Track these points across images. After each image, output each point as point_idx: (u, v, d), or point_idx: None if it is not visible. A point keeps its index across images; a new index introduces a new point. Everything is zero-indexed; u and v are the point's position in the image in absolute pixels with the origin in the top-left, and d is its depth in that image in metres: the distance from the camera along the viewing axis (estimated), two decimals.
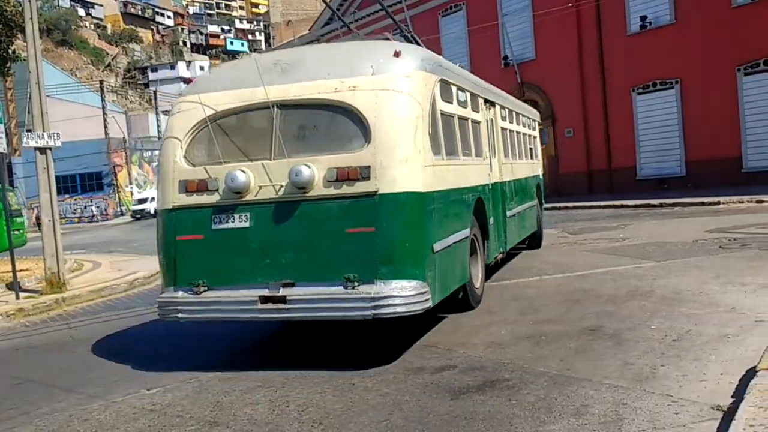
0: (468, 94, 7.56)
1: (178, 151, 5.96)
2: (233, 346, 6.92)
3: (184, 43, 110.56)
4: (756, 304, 6.28)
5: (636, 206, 19.02)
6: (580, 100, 25.78)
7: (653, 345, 5.26)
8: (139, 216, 45.15)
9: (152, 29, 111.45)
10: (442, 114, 6.30)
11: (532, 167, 12.14)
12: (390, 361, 5.51)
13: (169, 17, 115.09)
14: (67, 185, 48.16)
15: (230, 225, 5.67)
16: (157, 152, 58.88)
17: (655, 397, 4.13)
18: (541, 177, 13.09)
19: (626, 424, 3.78)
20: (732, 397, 3.98)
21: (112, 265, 15.39)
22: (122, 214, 49.53)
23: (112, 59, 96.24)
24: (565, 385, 4.53)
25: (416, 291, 5.28)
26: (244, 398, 4.90)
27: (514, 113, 10.72)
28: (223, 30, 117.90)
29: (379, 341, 6.35)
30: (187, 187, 5.84)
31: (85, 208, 51.39)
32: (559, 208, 20.65)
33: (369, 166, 5.33)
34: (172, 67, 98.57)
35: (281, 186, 5.54)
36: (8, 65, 17.54)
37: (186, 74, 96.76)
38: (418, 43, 7.63)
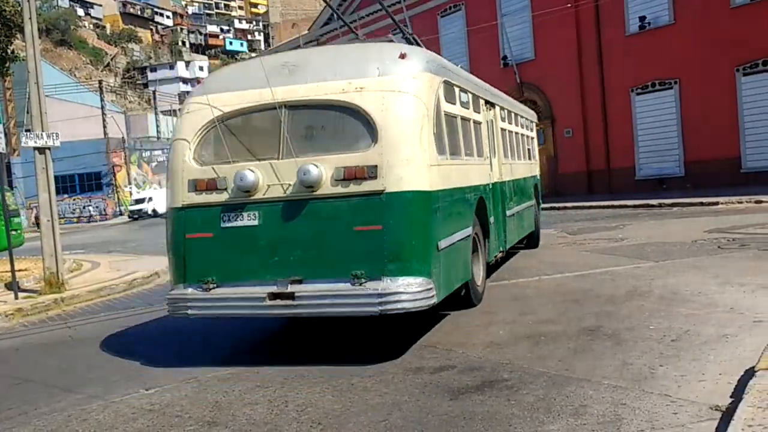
0: (470, 95, 7.65)
1: (187, 151, 6.06)
2: (233, 345, 6.91)
3: (183, 43, 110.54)
4: (755, 304, 6.28)
5: (635, 206, 19.03)
6: (579, 101, 25.80)
7: (652, 345, 5.27)
8: (137, 216, 45.10)
9: (151, 29, 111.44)
10: (445, 114, 6.38)
11: (530, 168, 12.27)
12: (390, 360, 5.50)
13: (168, 17, 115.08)
14: (66, 185, 48.16)
15: (239, 223, 5.77)
16: (156, 152, 59.27)
17: (654, 397, 4.14)
18: (538, 177, 13.25)
19: (625, 424, 3.78)
20: (731, 397, 3.99)
21: (111, 265, 15.38)
22: (121, 214, 49.51)
23: (111, 59, 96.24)
24: (564, 385, 4.53)
25: (422, 287, 5.38)
26: (243, 398, 4.90)
27: (512, 114, 10.83)
28: (222, 30, 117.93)
29: (379, 341, 6.34)
30: (196, 186, 5.93)
31: (84, 208, 51.38)
32: (558, 208, 20.66)
33: (376, 166, 5.44)
34: (171, 67, 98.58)
35: (289, 185, 5.63)
36: (7, 65, 17.52)
37: (185, 74, 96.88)
38: (418, 44, 7.71)
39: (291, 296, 5.55)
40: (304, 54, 6.59)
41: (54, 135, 11.48)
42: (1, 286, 11.94)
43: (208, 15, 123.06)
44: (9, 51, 16.94)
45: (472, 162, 7.43)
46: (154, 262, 15.30)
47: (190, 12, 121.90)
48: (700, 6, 21.97)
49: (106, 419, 4.72)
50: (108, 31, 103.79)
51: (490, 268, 8.92)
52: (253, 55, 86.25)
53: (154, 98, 71.52)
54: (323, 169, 5.52)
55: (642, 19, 23.57)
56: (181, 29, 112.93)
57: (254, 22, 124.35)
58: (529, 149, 12.40)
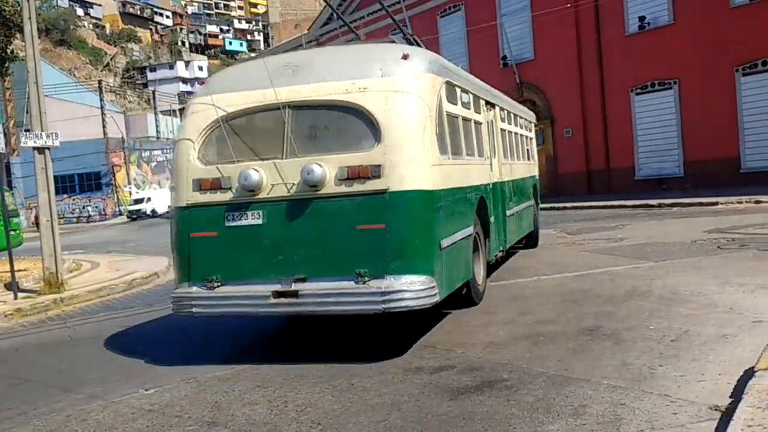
0: (471, 96, 7.69)
1: (191, 150, 6.09)
2: (233, 345, 6.91)
3: (183, 43, 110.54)
4: (754, 304, 6.29)
5: (634, 206, 19.03)
6: (579, 101, 25.80)
7: (651, 345, 5.27)
8: (135, 216, 45.02)
9: (151, 29, 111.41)
10: (447, 115, 6.42)
11: (529, 168, 12.34)
12: (390, 360, 5.50)
13: (167, 17, 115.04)
14: (65, 185, 48.12)
15: (243, 222, 5.82)
16: (155, 152, 59.28)
17: (654, 398, 4.14)
18: (537, 178, 13.31)
19: (624, 424, 3.78)
20: (730, 397, 3.99)
21: (111, 265, 15.38)
22: (120, 214, 49.48)
23: (111, 59, 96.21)
24: (564, 385, 4.53)
25: (425, 285, 5.43)
26: (242, 398, 4.90)
27: (512, 115, 10.88)
28: (221, 30, 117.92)
29: (378, 341, 6.34)
30: (200, 186, 5.98)
31: (83, 207, 51.36)
32: (557, 209, 20.66)
33: (380, 165, 5.49)
34: (171, 67, 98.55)
35: (293, 184, 5.68)
36: (6, 65, 17.52)
37: (185, 74, 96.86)
38: (418, 45, 7.75)
39: (295, 294, 5.60)
40: (307, 54, 6.66)
41: (53, 135, 11.48)
42: (1, 287, 11.94)
43: (208, 15, 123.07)
44: (8, 51, 16.94)
45: (473, 162, 7.48)
46: (153, 262, 15.31)
47: (189, 12, 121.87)
48: (699, 6, 21.97)
49: (106, 419, 4.72)
50: (107, 31, 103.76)
51: (490, 268, 8.93)
52: (253, 55, 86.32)
53: (154, 98, 71.47)
54: (327, 168, 5.57)
55: (641, 19, 23.57)
56: (181, 29, 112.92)
57: (254, 22, 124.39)
58: (528, 149, 12.48)
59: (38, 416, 4.94)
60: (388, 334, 6.59)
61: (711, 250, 9.83)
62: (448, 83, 6.56)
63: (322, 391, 4.89)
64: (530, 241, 11.98)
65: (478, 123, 7.99)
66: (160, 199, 47.97)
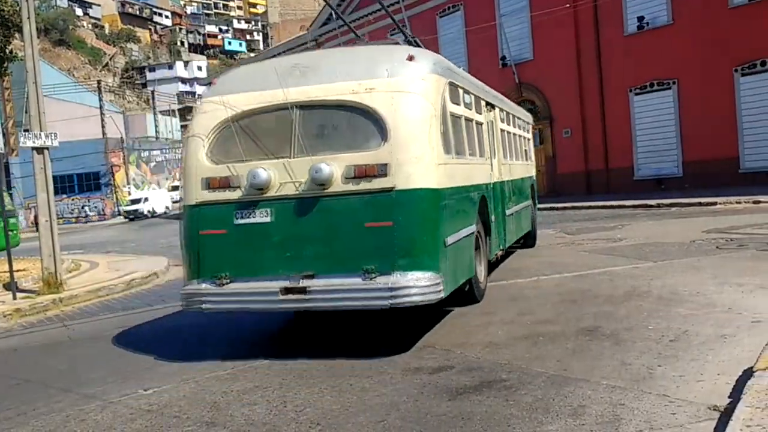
0: (472, 97, 7.81)
1: (201, 149, 6.19)
2: (232, 346, 6.90)
3: (182, 43, 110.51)
4: (753, 304, 6.29)
5: (633, 207, 19.03)
6: (578, 101, 25.79)
7: (650, 345, 5.27)
8: (132, 217, 44.93)
9: (150, 29, 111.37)
10: (451, 115, 6.53)
11: (527, 168, 12.50)
12: (390, 360, 5.51)
13: (166, 17, 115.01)
14: (64, 185, 48.10)
15: (252, 220, 5.92)
16: (155, 152, 59.28)
17: (653, 398, 4.14)
18: (534, 178, 13.46)
19: (623, 424, 3.78)
20: (729, 397, 3.99)
21: (110, 265, 15.37)
22: (119, 214, 49.45)
23: (110, 59, 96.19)
24: (563, 385, 4.53)
25: (431, 282, 5.54)
26: (241, 399, 4.89)
27: (511, 115, 11.03)
28: (221, 30, 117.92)
29: (378, 341, 6.34)
30: (209, 184, 6.08)
31: (82, 207, 51.33)
32: (556, 209, 20.66)
33: (386, 164, 5.59)
34: (170, 67, 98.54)
35: (301, 183, 5.79)
36: (5, 65, 17.53)
37: (184, 74, 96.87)
38: (418, 45, 7.81)
39: (303, 291, 5.70)
40: (314, 56, 6.78)
41: (52, 135, 11.48)
42: (0, 287, 11.92)
43: (207, 15, 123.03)
44: (7, 51, 16.95)
45: (474, 162, 7.58)
46: (152, 262, 15.30)
47: (188, 12, 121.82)
48: (698, 6, 21.97)
49: (105, 420, 4.72)
50: (106, 31, 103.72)
51: (490, 267, 8.96)
52: (252, 55, 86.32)
53: (153, 98, 71.45)
54: (334, 167, 5.67)
55: (640, 19, 23.56)
56: (180, 29, 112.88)
57: (253, 22, 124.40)
58: (526, 150, 12.63)
59: (37, 416, 4.94)
60: (388, 334, 6.60)
61: (710, 251, 9.83)
62: (451, 84, 6.66)
63: (321, 391, 4.89)
64: (528, 240, 12.10)
65: (479, 123, 8.09)
66: (157, 199, 47.90)
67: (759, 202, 16.24)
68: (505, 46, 27.42)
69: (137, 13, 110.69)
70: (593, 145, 25.57)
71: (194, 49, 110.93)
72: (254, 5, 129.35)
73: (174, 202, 51.70)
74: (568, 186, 25.82)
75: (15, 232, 17.30)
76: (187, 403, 4.92)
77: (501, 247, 9.18)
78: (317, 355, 6.02)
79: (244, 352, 6.53)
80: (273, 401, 4.77)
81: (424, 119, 5.83)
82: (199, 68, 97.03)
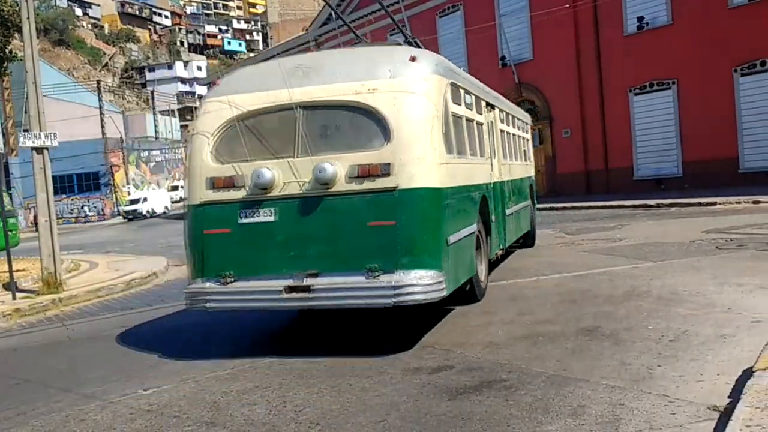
0: (473, 97, 7.86)
1: (205, 149, 6.25)
2: (231, 346, 6.90)
3: (182, 43, 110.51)
4: (752, 304, 6.29)
5: (633, 207, 19.03)
6: (578, 101, 25.79)
7: (650, 345, 5.27)
8: (131, 217, 44.88)
9: (149, 29, 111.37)
10: (452, 115, 6.59)
11: (526, 168, 12.58)
12: (390, 361, 5.51)
13: (166, 17, 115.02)
14: (64, 185, 48.12)
15: (256, 219, 5.97)
16: (154, 152, 59.29)
17: (652, 398, 4.14)
18: (533, 178, 13.53)
19: (623, 424, 3.78)
20: (729, 397, 3.99)
21: (109, 265, 15.37)
22: (119, 215, 49.45)
23: (110, 59, 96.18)
24: (562, 385, 4.53)
25: (434, 280, 5.60)
26: (241, 399, 4.89)
27: (510, 116, 11.08)
28: (220, 30, 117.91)
29: (377, 341, 6.34)
30: (214, 184, 6.13)
31: (81, 207, 51.31)
32: (556, 209, 20.67)
33: (389, 163, 5.65)
34: (170, 67, 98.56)
35: (305, 182, 5.85)
36: (5, 65, 17.54)
37: (183, 74, 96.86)
38: (418, 45, 7.89)
39: (307, 289, 5.76)
40: (317, 56, 6.84)
41: (52, 135, 11.48)
42: None
43: (207, 15, 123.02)
44: (7, 51, 16.96)
45: (475, 162, 7.64)
46: (152, 262, 15.29)
47: (188, 12, 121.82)
48: (698, 6, 21.98)
49: (104, 419, 4.72)
50: (106, 31, 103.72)
51: (490, 267, 8.97)
52: (252, 55, 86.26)
53: (152, 98, 71.47)
54: (338, 167, 5.73)
55: (640, 19, 23.57)
56: (180, 29, 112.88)
57: (252, 22, 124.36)
58: (525, 150, 12.71)
59: (37, 416, 4.94)
60: (388, 334, 6.59)
61: (709, 251, 9.84)
62: (453, 85, 6.71)
63: (320, 391, 4.89)
64: (527, 240, 12.16)
65: (479, 124, 8.14)
66: (157, 200, 47.88)
67: (759, 202, 16.25)
68: (504, 46, 27.42)
69: (137, 13, 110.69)
70: (593, 145, 25.57)
71: (194, 49, 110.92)
72: (254, 5, 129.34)
73: (173, 203, 51.73)
74: (568, 186, 25.83)
75: (14, 232, 17.31)
76: (186, 403, 4.92)
77: (501, 247, 9.23)
78: (317, 355, 6.02)
79: (244, 351, 6.52)
80: (273, 401, 4.77)
81: (426, 119, 5.87)
82: (199, 68, 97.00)
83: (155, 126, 67.35)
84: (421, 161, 5.72)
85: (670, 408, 3.95)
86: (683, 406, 3.96)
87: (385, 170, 5.64)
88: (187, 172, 6.42)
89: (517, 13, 27.18)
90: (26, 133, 11.43)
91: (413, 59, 6.06)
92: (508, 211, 9.66)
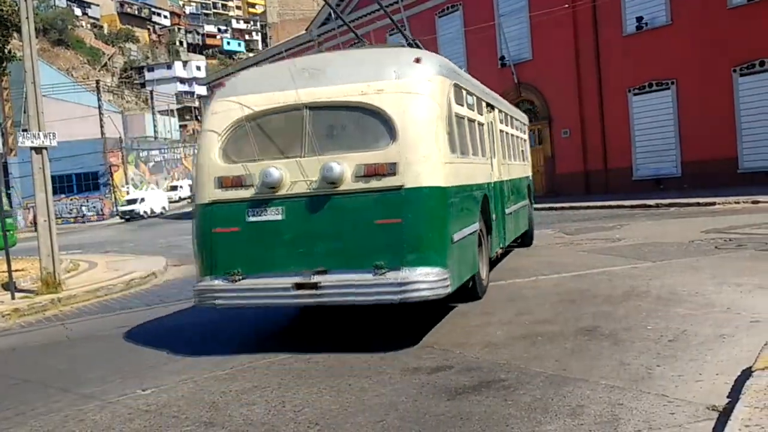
0: (474, 98, 7.98)
1: (213, 149, 6.34)
2: (231, 346, 6.88)
3: (181, 43, 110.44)
4: (751, 304, 6.29)
5: (632, 207, 19.04)
6: (577, 101, 25.80)
7: (649, 345, 5.27)
8: (128, 217, 44.79)
9: (149, 29, 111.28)
10: (455, 116, 6.70)
11: (524, 168, 12.75)
12: (389, 361, 5.51)
13: (165, 17, 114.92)
14: (63, 185, 48.06)
15: (265, 218, 6.07)
16: (153, 152, 59.27)
17: (651, 398, 4.14)
18: (531, 178, 13.72)
19: (622, 424, 3.78)
20: (728, 397, 3.99)
21: (108, 265, 15.37)
22: (118, 214, 49.41)
23: (109, 59, 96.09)
24: (561, 385, 4.53)
25: (439, 277, 5.71)
26: (240, 399, 4.89)
27: (509, 117, 11.22)
28: (219, 30, 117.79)
29: (376, 341, 6.34)
30: (222, 183, 6.22)
31: (81, 207, 51.27)
32: (555, 209, 20.67)
33: (395, 163, 5.75)
34: (169, 66, 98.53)
35: (313, 181, 5.95)
36: (4, 65, 17.53)
37: (182, 74, 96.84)
38: (418, 46, 7.98)
39: (315, 286, 5.85)
40: (323, 58, 6.95)
41: (51, 135, 11.47)
42: None
43: (206, 15, 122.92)
44: (6, 51, 16.94)
45: (477, 161, 7.75)
46: (151, 262, 15.29)
47: (187, 12, 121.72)
48: (697, 6, 21.98)
49: (103, 420, 4.72)
50: (105, 31, 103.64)
51: (490, 266, 9.00)
52: (251, 55, 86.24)
53: (152, 98, 71.50)
54: (345, 166, 5.83)
55: (639, 19, 23.58)
56: (179, 29, 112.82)
57: (252, 22, 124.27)
58: (522, 150, 12.88)
59: (36, 416, 4.94)
60: (387, 334, 6.59)
61: (708, 251, 9.84)
62: (456, 86, 6.82)
63: (320, 391, 4.89)
64: (525, 239, 12.29)
65: (480, 124, 8.25)
66: (154, 200, 47.79)
67: (758, 202, 16.26)
68: (504, 46, 27.43)
69: (136, 13, 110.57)
70: (592, 145, 25.58)
71: (193, 49, 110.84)
72: (253, 5, 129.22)
73: (172, 203, 51.70)
74: (567, 186, 25.83)
75: (11, 232, 17.30)
76: (185, 403, 4.92)
77: (501, 245, 9.34)
78: (316, 355, 6.01)
79: (243, 351, 6.51)
80: (272, 401, 4.76)
81: (431, 120, 5.98)
82: (198, 68, 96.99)
83: (154, 126, 67.36)
84: (427, 160, 5.82)
85: (669, 408, 3.95)
86: (682, 405, 3.96)
87: (391, 169, 5.74)
88: (196, 172, 6.51)
89: (517, 13, 27.18)
90: (25, 133, 11.43)
91: (418, 61, 6.17)
92: (507, 211, 9.77)
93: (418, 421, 4.12)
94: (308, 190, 5.95)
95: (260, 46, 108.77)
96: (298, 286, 5.89)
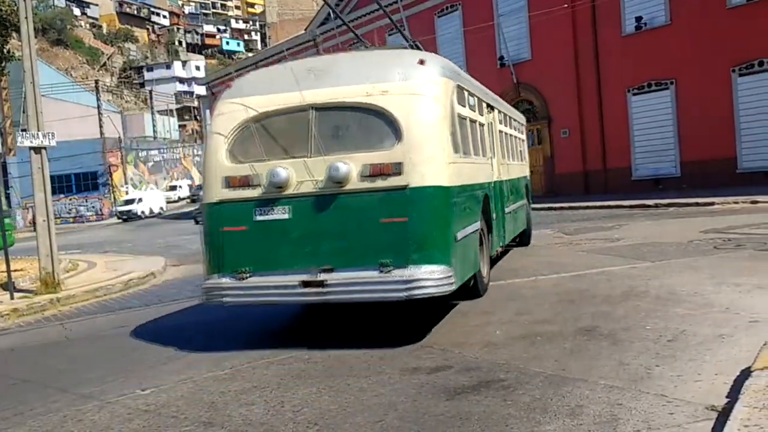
0: (476, 99, 8.09)
1: (221, 149, 6.43)
2: (231, 345, 6.88)
3: (180, 42, 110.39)
4: (750, 304, 6.29)
5: (631, 207, 19.04)
6: (576, 101, 25.80)
7: (648, 345, 5.27)
8: (126, 218, 44.69)
9: (148, 29, 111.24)
10: (458, 116, 6.79)
11: (522, 168, 12.87)
12: (388, 360, 5.51)
13: (164, 17, 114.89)
14: (62, 185, 47.99)
15: (272, 217, 6.17)
16: (152, 152, 59.26)
17: (650, 398, 4.14)
18: (528, 178, 13.86)
19: (621, 424, 3.78)
20: (727, 397, 3.99)
21: (107, 265, 15.36)
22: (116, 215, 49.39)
23: (108, 59, 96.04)
24: (561, 385, 4.53)
25: (444, 274, 5.82)
26: (239, 399, 4.89)
27: (508, 117, 11.34)
28: (218, 30, 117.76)
29: (376, 340, 6.34)
30: (230, 183, 6.32)
31: (79, 207, 51.22)
32: (554, 209, 20.67)
33: (401, 163, 5.85)
34: (168, 66, 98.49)
35: (319, 181, 6.05)
36: (3, 64, 17.53)
37: (182, 74, 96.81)
38: (417, 47, 8.06)
39: (322, 284, 5.96)
40: (328, 60, 7.05)
41: (50, 135, 11.47)
42: None
43: (205, 15, 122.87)
44: (5, 50, 16.94)
45: (479, 161, 7.85)
46: (150, 262, 15.29)
47: (186, 12, 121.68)
48: (696, 6, 21.98)
49: (102, 420, 4.71)
50: (104, 31, 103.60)
51: (490, 264, 9.04)
52: (250, 54, 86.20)
53: (151, 98, 71.50)
54: (351, 166, 5.92)
55: (638, 19, 23.59)
56: (178, 29, 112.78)
57: (251, 22, 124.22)
58: (521, 151, 13.00)
59: (34, 416, 4.93)
60: (386, 334, 6.59)
61: (707, 251, 9.84)
62: (458, 87, 6.93)
63: (319, 391, 4.89)
64: (523, 238, 12.37)
65: (481, 125, 8.35)
66: (152, 200, 47.70)
67: (756, 202, 16.26)
68: (503, 46, 27.43)
69: (135, 12, 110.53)
70: (591, 145, 25.58)
71: (192, 48, 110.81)
72: (252, 5, 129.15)
73: (171, 203, 51.65)
74: (566, 186, 25.83)
75: (9, 231, 17.29)
76: (184, 403, 4.91)
77: (501, 244, 9.44)
78: (316, 355, 6.02)
79: (242, 352, 6.52)
80: (271, 401, 4.76)
81: (435, 120, 6.08)
82: (197, 68, 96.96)
83: (153, 126, 67.37)
84: (431, 160, 5.92)
85: (668, 408, 3.95)
86: (681, 405, 3.96)
87: (396, 169, 5.83)
88: (203, 172, 6.61)
89: (516, 13, 27.18)
90: (24, 133, 11.42)
91: (422, 62, 6.27)
92: (507, 210, 9.86)
93: (417, 421, 4.12)
94: (315, 190, 6.04)
95: (259, 46, 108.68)
96: (305, 284, 5.98)
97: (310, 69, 6.45)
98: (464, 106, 7.23)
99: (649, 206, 18.62)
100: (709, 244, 10.42)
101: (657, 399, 4.11)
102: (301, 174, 6.07)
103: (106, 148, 50.56)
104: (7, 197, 42.87)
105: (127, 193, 50.67)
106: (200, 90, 68.60)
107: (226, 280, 6.26)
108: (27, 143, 11.26)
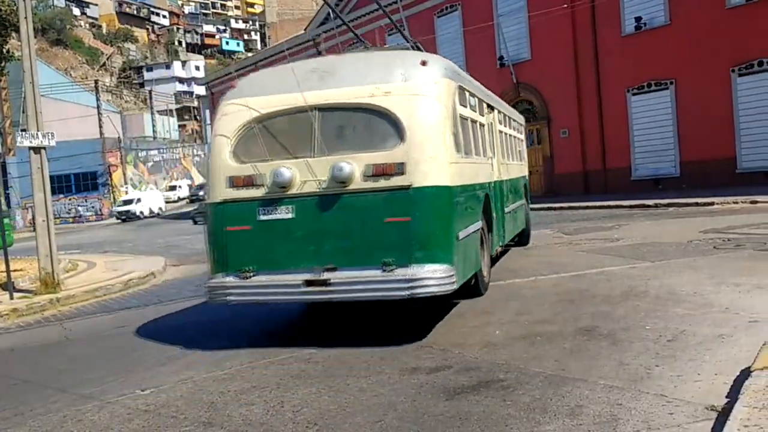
0: (477, 99, 8.14)
1: (225, 150, 6.48)
2: (231, 346, 6.88)
3: (180, 42, 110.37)
4: (750, 304, 6.29)
5: (631, 207, 19.05)
6: (576, 101, 25.79)
7: (648, 345, 5.27)
8: (124, 218, 44.62)
9: (147, 29, 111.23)
10: (460, 117, 6.84)
11: (521, 168, 12.92)
12: (387, 360, 5.51)
13: (164, 17, 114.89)
14: (61, 185, 47.96)
15: (276, 216, 6.22)
16: (152, 152, 59.25)
17: (650, 398, 4.14)
18: (527, 178, 13.92)
19: (621, 424, 3.78)
20: (726, 397, 3.99)
21: (107, 265, 15.36)
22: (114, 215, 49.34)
23: (107, 59, 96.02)
24: (560, 385, 4.53)
25: (446, 273, 5.88)
26: (238, 399, 4.89)
27: (507, 117, 11.38)
28: (218, 30, 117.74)
29: (376, 340, 6.34)
30: (234, 183, 6.37)
31: (79, 207, 51.20)
32: (554, 209, 20.67)
33: (403, 163, 5.91)
34: (168, 66, 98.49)
35: (322, 181, 6.10)
36: (2, 64, 17.52)
37: (181, 74, 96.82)
38: (418, 47, 8.10)
39: (325, 283, 6.02)
40: (331, 61, 7.09)
41: (49, 135, 11.47)
42: None
43: (205, 14, 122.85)
44: (4, 50, 16.92)
45: (480, 161, 7.91)
46: (150, 262, 15.29)
47: (186, 11, 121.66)
48: (696, 6, 21.98)
49: (102, 420, 4.71)
50: (104, 31, 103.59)
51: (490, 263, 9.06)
52: (250, 54, 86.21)
53: (150, 98, 71.46)
54: (354, 166, 5.98)
55: (638, 19, 23.58)
56: (178, 29, 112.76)
57: (250, 22, 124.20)
58: (520, 150, 13.05)
59: (34, 417, 4.93)
60: (386, 334, 6.59)
61: (707, 251, 9.84)
62: (460, 87, 6.99)
63: (318, 391, 4.89)
64: (522, 238, 12.40)
65: (482, 125, 8.40)
66: (151, 200, 47.63)
67: (756, 202, 16.26)
68: (502, 46, 27.42)
69: (135, 12, 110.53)
70: (591, 145, 25.58)
71: (192, 48, 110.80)
72: (252, 5, 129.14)
73: (170, 203, 51.62)
74: (566, 186, 25.83)
75: (8, 232, 17.28)
76: (184, 403, 4.91)
77: (501, 243, 9.48)
78: (316, 354, 6.02)
79: (242, 352, 6.53)
80: (270, 401, 4.76)
81: (438, 121, 6.13)
82: (197, 68, 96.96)
83: (153, 126, 67.35)
84: (434, 160, 5.96)
85: (668, 408, 3.95)
86: (681, 406, 3.96)
87: (399, 169, 5.88)
88: (208, 172, 6.65)
89: (515, 13, 27.18)
90: (24, 133, 11.42)
91: (424, 63, 6.32)
92: (506, 209, 9.90)
93: (416, 422, 4.12)
94: (318, 190, 6.09)
95: (259, 46, 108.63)
96: (309, 282, 6.03)
97: (313, 70, 6.50)
98: (465, 107, 7.28)
99: (648, 206, 18.62)
100: (708, 244, 10.42)
101: (657, 399, 4.11)
102: (305, 174, 6.12)
103: (105, 148, 50.55)
104: (7, 197, 42.85)
105: (126, 193, 50.62)
106: (200, 90, 68.62)
107: (230, 279, 6.31)
108: (26, 143, 11.26)
